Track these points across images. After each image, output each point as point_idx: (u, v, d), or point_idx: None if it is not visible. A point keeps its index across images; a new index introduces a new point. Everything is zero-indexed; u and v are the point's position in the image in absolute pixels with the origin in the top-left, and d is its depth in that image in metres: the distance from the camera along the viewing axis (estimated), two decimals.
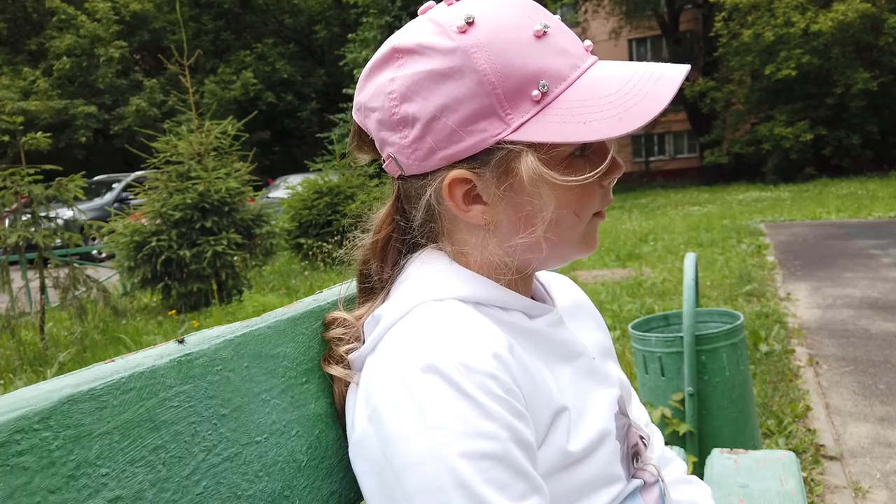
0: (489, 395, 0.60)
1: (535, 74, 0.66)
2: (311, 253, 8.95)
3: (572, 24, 26.60)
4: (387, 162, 0.74)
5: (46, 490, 0.47)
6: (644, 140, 28.43)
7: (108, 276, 8.46)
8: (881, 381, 3.59)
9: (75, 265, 6.15)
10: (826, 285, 5.92)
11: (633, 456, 0.78)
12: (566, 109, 0.65)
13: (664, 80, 0.67)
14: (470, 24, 0.66)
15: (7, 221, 5.91)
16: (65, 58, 24.04)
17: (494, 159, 0.68)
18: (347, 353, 0.72)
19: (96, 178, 15.55)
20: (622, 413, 0.79)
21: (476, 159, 0.68)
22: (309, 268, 8.75)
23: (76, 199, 6.11)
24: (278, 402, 0.68)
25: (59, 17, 24.49)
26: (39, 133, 6.21)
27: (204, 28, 28.35)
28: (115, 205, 11.98)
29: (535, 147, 0.66)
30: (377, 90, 0.71)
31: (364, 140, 0.77)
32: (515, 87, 0.65)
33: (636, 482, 0.77)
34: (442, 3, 0.71)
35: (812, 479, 2.60)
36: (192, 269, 6.87)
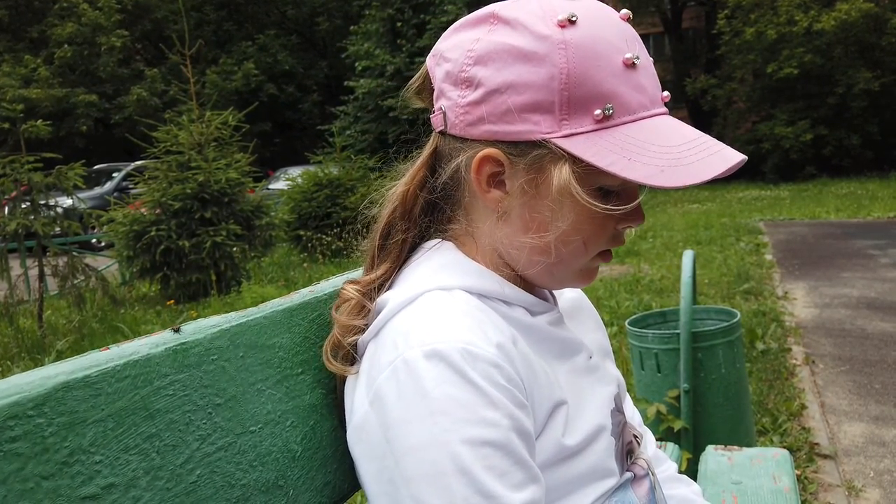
0: (492, 384, 0.61)
1: (605, 95, 0.66)
2: (310, 245, 8.96)
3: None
4: (436, 113, 0.74)
5: (40, 476, 0.47)
6: None
7: (106, 265, 8.46)
8: (877, 380, 3.60)
9: (74, 254, 6.15)
10: (824, 285, 5.93)
11: (626, 453, 0.79)
12: (619, 140, 0.65)
13: (719, 156, 0.66)
14: (572, 22, 0.66)
15: (6, 209, 5.91)
16: (66, 46, 23.96)
17: (532, 154, 0.68)
18: (352, 342, 0.71)
19: (96, 167, 15.53)
20: (618, 410, 0.79)
21: (516, 147, 0.68)
22: (308, 260, 8.76)
23: (76, 187, 6.10)
24: (273, 392, 0.69)
25: (60, 5, 24.40)
26: (40, 121, 6.20)
27: (206, 18, 28.25)
28: (115, 194, 11.96)
29: (575, 160, 0.66)
30: (459, 43, 0.71)
31: (425, 86, 0.78)
32: (582, 98, 0.65)
33: (627, 475, 0.78)
34: None
35: (806, 477, 2.61)
36: (191, 259, 6.87)
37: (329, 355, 0.72)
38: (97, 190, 13.69)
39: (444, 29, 0.77)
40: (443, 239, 0.76)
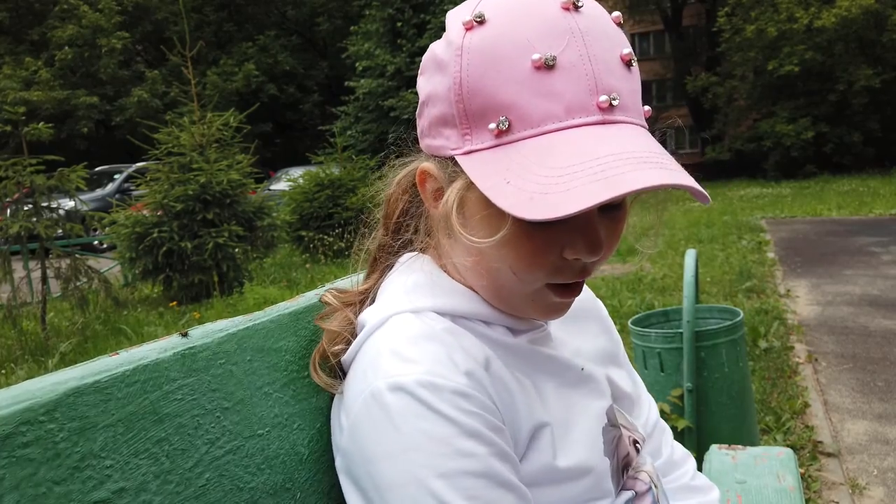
0: (463, 412, 0.58)
1: (501, 106, 0.57)
2: (311, 245, 8.96)
3: None
4: None
5: (51, 481, 0.47)
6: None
7: (109, 266, 8.47)
8: (880, 378, 3.59)
9: (77, 256, 6.16)
10: (826, 282, 5.93)
11: (623, 467, 0.75)
12: (508, 159, 0.57)
13: (611, 182, 0.52)
14: (479, 22, 0.59)
15: (9, 211, 5.92)
16: (67, 48, 23.99)
17: (448, 171, 0.63)
18: (336, 354, 0.70)
19: (98, 169, 15.54)
20: (612, 424, 0.75)
21: (441, 161, 0.65)
22: (310, 260, 8.76)
23: (78, 189, 6.12)
24: (280, 395, 0.69)
25: (61, 7, 24.43)
26: (41, 123, 6.22)
27: (206, 19, 28.28)
28: (117, 196, 11.97)
29: (472, 182, 0.59)
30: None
31: None
32: (478, 110, 0.59)
33: (627, 494, 0.73)
34: None
35: (810, 476, 2.61)
36: (193, 260, 6.88)
37: (317, 366, 0.70)
38: (99, 192, 13.70)
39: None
40: (420, 251, 0.72)
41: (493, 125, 0.58)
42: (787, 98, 18.95)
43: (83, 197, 7.06)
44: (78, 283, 6.06)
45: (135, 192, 10.05)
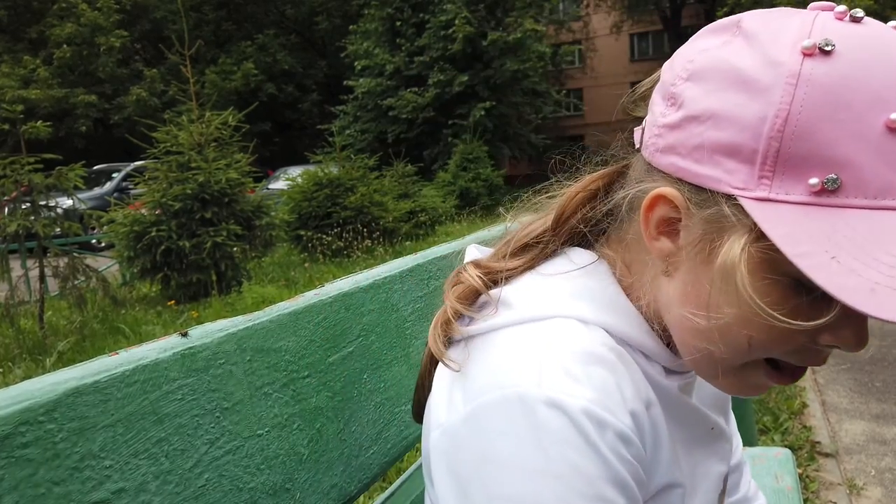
0: (619, 458, 0.52)
1: (834, 161, 0.47)
2: (310, 245, 8.97)
3: (574, 19, 26.55)
4: (639, 127, 0.62)
5: (51, 482, 0.47)
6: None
7: (107, 265, 8.47)
8: (877, 378, 3.60)
9: (75, 254, 6.16)
10: None
11: None
12: (831, 227, 0.47)
13: None
14: (825, 51, 0.49)
15: (7, 210, 5.91)
16: (65, 46, 23.97)
17: (712, 209, 0.52)
18: (458, 314, 0.62)
19: (96, 168, 15.53)
20: (723, 492, 0.71)
21: (700, 193, 0.53)
22: (308, 259, 8.76)
23: (76, 188, 6.11)
24: (280, 395, 0.69)
25: (59, 5, 24.40)
26: (39, 122, 6.21)
27: (205, 18, 28.26)
28: (115, 194, 11.97)
29: (759, 236, 0.49)
30: (689, 51, 0.57)
31: (651, 91, 0.64)
32: (798, 156, 0.48)
33: None
34: (835, 9, 0.53)
35: (808, 476, 2.61)
36: (191, 259, 6.88)
37: (440, 331, 0.62)
38: (97, 190, 13.70)
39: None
40: (599, 257, 0.64)
41: (814, 180, 0.48)
42: None
43: (81, 195, 7.06)
44: (76, 282, 6.05)
45: (133, 191, 10.05)
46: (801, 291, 0.50)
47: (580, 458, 0.51)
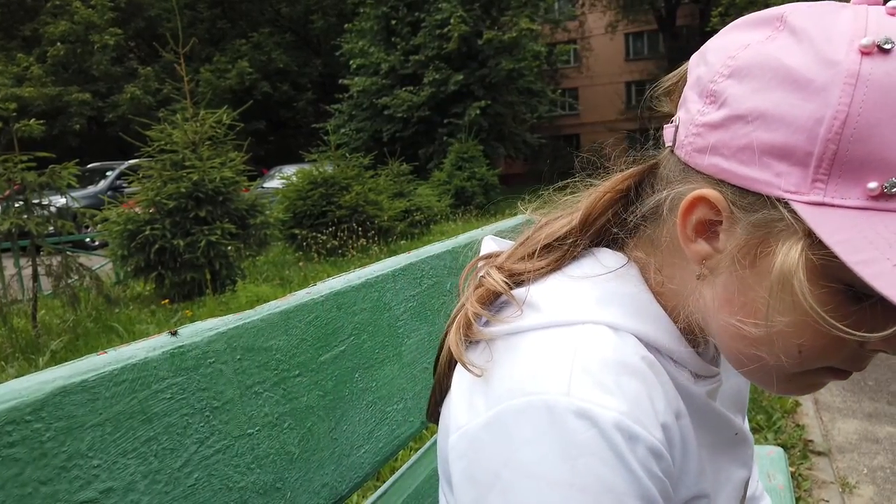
0: (649, 474, 0.50)
1: (892, 164, 0.46)
2: (305, 244, 8.95)
3: (569, 18, 26.57)
4: (671, 124, 0.59)
5: (38, 481, 0.47)
6: (639, 134, 28.46)
7: (101, 264, 8.44)
8: (870, 377, 3.62)
9: (68, 253, 6.13)
10: None
11: None
12: (892, 233, 0.46)
13: None
14: (883, 50, 0.47)
15: (0, 208, 5.88)
16: (59, 44, 23.88)
17: (760, 214, 0.51)
18: (479, 315, 0.60)
19: (90, 166, 15.47)
20: (744, 498, 0.70)
21: (745, 196, 0.51)
22: (303, 258, 8.75)
23: (69, 186, 6.07)
24: (271, 394, 0.69)
25: (53, 3, 24.30)
26: (33, 120, 6.18)
27: (199, 16, 28.18)
28: (109, 193, 11.93)
29: (816, 242, 0.47)
30: (726, 45, 0.55)
31: (678, 88, 0.62)
32: (856, 160, 0.47)
33: None
34: (887, 4, 0.51)
35: (800, 475, 2.62)
36: (185, 258, 6.86)
37: (462, 332, 0.60)
38: (91, 189, 13.65)
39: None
40: (630, 259, 0.62)
41: (874, 184, 0.46)
42: None
43: (75, 194, 7.03)
44: (69, 281, 6.03)
45: (127, 190, 10.01)
46: (856, 298, 0.49)
47: (609, 472, 0.49)
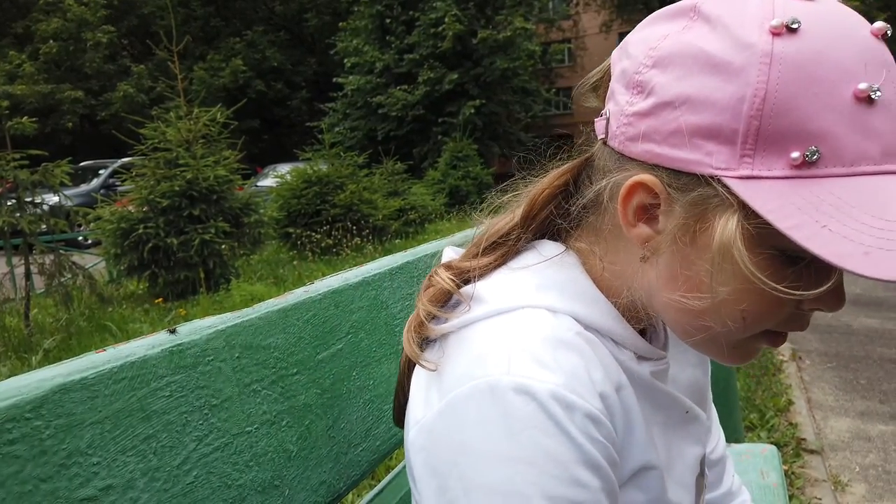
0: (589, 439, 0.53)
1: (813, 134, 0.49)
2: (299, 242, 8.93)
3: (563, 17, 26.61)
4: (601, 118, 0.62)
5: (38, 478, 0.47)
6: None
7: (94, 262, 8.40)
8: (862, 376, 3.64)
9: (61, 251, 6.11)
10: None
11: None
12: (817, 197, 0.49)
13: None
14: (792, 30, 0.50)
15: None
16: (52, 41, 23.76)
17: (696, 192, 0.53)
18: (433, 315, 0.62)
19: (83, 164, 15.38)
20: (702, 474, 0.72)
21: (679, 178, 0.54)
22: (297, 257, 8.73)
23: (62, 184, 6.04)
24: (269, 392, 0.69)
25: (45, 0, 24.17)
26: (25, 118, 6.15)
27: (193, 14, 28.08)
28: (102, 191, 11.88)
29: (749, 213, 0.50)
30: (646, 38, 0.58)
31: (604, 83, 0.64)
32: (779, 132, 0.49)
33: None
34: None
35: (793, 473, 2.64)
36: (179, 257, 6.83)
37: (413, 334, 0.63)
38: (84, 187, 13.56)
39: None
40: (568, 248, 0.65)
41: (796, 154, 0.49)
42: None
43: (67, 192, 7.01)
44: (62, 280, 6.00)
45: (120, 188, 9.96)
46: (791, 261, 0.52)
47: (552, 442, 0.51)
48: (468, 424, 0.54)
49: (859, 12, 0.55)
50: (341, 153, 10.70)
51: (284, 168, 11.66)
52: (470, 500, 0.52)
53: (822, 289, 0.51)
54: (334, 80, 20.69)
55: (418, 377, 0.63)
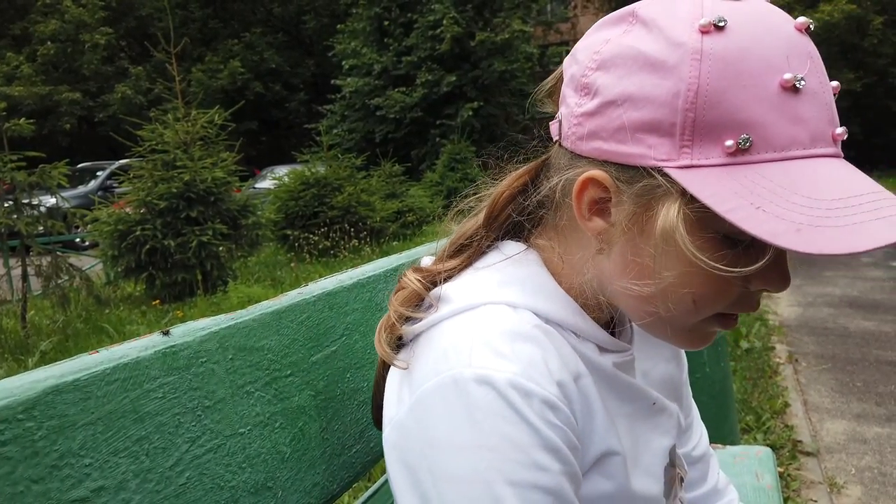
0: (547, 424, 0.56)
1: (744, 123, 0.53)
2: (297, 244, 8.93)
3: (561, 20, 26.64)
4: (554, 120, 0.65)
5: (30, 480, 0.47)
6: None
7: (91, 264, 8.39)
8: (858, 378, 3.64)
9: (58, 253, 6.10)
10: (807, 283, 6.00)
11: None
12: (751, 182, 0.52)
13: (889, 222, 0.50)
14: (719, 28, 0.54)
15: None
16: (49, 43, 23.72)
17: (641, 184, 0.57)
18: (403, 317, 0.65)
19: (80, 166, 15.37)
20: (672, 465, 0.74)
21: (626, 171, 0.58)
22: (295, 259, 8.73)
23: (59, 186, 6.04)
24: (262, 394, 0.69)
25: (43, 2, 24.14)
26: (23, 119, 6.14)
27: (191, 16, 28.06)
28: (100, 193, 11.87)
29: (690, 200, 0.54)
30: (591, 44, 0.61)
31: (557, 88, 0.68)
32: (712, 123, 0.53)
33: None
34: None
35: (788, 475, 2.64)
36: (176, 258, 6.83)
37: (383, 335, 0.66)
38: (81, 189, 13.55)
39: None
40: (528, 247, 0.68)
41: (730, 142, 0.53)
42: None
43: (65, 194, 6.99)
44: (59, 281, 5.99)
45: (117, 190, 9.96)
46: (732, 243, 0.55)
47: (511, 428, 0.54)
48: (435, 417, 0.57)
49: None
50: (339, 155, 10.70)
51: (282, 170, 11.65)
52: (439, 492, 0.55)
53: (759, 264, 0.54)
54: (332, 82, 20.69)
55: (392, 377, 0.65)
